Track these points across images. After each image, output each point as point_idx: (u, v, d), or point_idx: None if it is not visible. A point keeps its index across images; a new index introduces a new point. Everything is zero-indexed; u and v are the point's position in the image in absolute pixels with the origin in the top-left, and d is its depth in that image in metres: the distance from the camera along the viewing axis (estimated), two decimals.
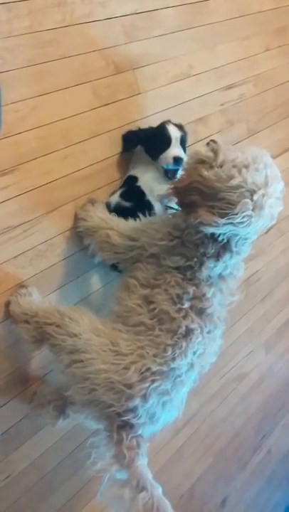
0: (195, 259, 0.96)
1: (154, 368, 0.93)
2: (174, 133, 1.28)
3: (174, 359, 0.94)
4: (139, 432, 0.93)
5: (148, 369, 0.92)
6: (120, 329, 1.00)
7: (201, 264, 0.96)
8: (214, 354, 1.04)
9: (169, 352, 0.94)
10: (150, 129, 1.32)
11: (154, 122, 1.47)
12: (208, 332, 0.99)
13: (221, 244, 0.96)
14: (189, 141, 1.61)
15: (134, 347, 0.95)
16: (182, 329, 0.95)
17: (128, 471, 0.87)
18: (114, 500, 0.86)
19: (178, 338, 0.95)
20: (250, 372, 2.04)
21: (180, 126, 1.34)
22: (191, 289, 0.96)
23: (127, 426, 0.92)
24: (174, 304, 0.96)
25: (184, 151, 1.30)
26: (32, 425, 1.25)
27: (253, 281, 2.00)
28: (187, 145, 1.37)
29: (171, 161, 1.24)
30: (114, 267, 1.23)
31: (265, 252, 2.06)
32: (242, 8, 1.83)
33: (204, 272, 0.96)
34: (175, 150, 1.26)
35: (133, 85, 1.40)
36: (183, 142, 1.31)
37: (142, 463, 0.90)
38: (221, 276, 1.00)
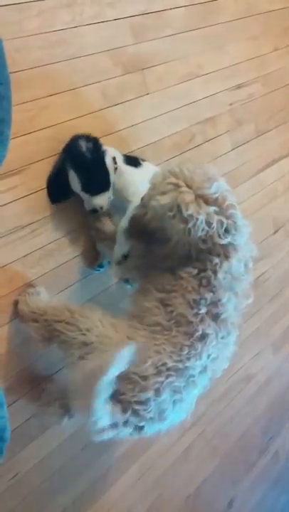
0: (209, 268, 0.98)
1: (170, 364, 0.94)
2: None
3: (189, 359, 0.95)
4: (143, 424, 0.95)
5: (164, 364, 0.94)
6: (136, 327, 1.00)
7: (215, 270, 0.97)
8: (227, 360, 1.06)
9: (185, 351, 0.95)
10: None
11: (162, 122, 1.48)
12: (222, 337, 1.00)
13: (223, 244, 0.97)
14: (199, 140, 1.62)
15: (151, 343, 0.96)
16: (198, 333, 0.97)
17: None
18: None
19: (194, 341, 0.96)
20: (257, 373, 2.03)
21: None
22: (209, 295, 0.98)
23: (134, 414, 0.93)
24: (190, 308, 0.97)
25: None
26: (40, 424, 1.25)
27: (261, 282, 1.99)
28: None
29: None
30: (126, 280, 1.24)
31: (273, 254, 2.05)
32: (251, 8, 1.82)
33: (220, 277, 0.97)
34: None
35: (142, 86, 1.40)
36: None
37: None
38: (234, 278, 1.00)
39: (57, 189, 1.18)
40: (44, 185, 1.18)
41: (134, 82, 1.39)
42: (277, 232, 2.05)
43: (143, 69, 1.41)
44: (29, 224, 1.17)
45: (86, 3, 1.25)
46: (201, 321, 0.97)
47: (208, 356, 0.99)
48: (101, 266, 1.31)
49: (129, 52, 1.37)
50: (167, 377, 0.93)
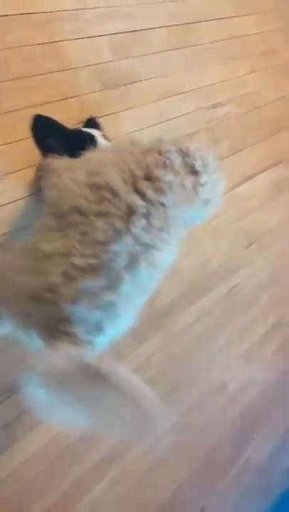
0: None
1: (80, 263, 0.81)
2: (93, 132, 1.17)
3: (105, 243, 0.82)
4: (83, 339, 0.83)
5: (73, 266, 0.81)
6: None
7: None
8: (169, 258, 0.93)
9: (99, 235, 0.82)
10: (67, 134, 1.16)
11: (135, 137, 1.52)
12: (160, 229, 0.88)
13: None
14: None
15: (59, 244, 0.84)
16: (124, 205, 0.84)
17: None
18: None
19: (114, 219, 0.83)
20: (229, 382, 2.07)
21: (93, 125, 1.23)
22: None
23: (66, 337, 0.82)
24: (124, 183, 0.87)
25: None
26: (9, 434, 1.26)
27: (234, 294, 2.05)
28: None
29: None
30: None
31: (246, 267, 2.11)
32: (229, 31, 1.91)
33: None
34: (100, 140, 1.14)
35: (120, 102, 1.46)
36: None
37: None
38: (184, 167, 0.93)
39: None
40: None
41: (113, 97, 1.44)
42: (250, 246, 2.12)
43: (122, 85, 1.46)
44: None
45: (67, 19, 1.30)
46: (135, 192, 0.86)
47: (137, 240, 0.84)
48: None
49: (109, 68, 1.42)
50: (81, 280, 0.81)
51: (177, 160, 0.93)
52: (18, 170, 1.20)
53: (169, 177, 0.90)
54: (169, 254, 0.91)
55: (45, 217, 0.90)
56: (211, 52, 1.83)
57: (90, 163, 0.94)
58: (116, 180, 0.87)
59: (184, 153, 0.95)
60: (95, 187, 0.87)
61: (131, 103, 1.48)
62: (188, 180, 0.94)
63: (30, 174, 1.21)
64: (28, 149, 1.19)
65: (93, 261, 0.81)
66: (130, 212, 0.84)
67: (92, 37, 1.36)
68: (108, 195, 0.85)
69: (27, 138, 1.20)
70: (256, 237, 2.15)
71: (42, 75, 1.25)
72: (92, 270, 0.81)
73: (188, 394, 1.85)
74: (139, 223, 0.84)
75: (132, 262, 0.84)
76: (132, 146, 0.97)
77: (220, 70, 1.88)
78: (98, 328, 0.84)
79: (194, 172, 0.95)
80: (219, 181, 1.03)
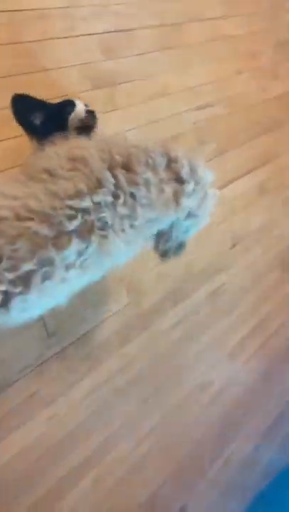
0: None
1: (33, 206, 0.80)
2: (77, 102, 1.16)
3: (63, 199, 0.82)
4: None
5: (26, 206, 0.80)
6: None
7: None
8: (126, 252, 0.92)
9: (61, 191, 0.82)
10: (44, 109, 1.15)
11: (128, 137, 1.52)
12: (123, 217, 0.87)
13: None
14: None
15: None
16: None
17: None
18: None
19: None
20: (213, 382, 2.09)
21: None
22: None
23: None
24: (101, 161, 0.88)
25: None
26: None
27: (218, 294, 2.07)
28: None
29: (84, 114, 1.13)
30: None
31: (230, 267, 2.13)
32: (216, 33, 1.92)
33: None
34: (82, 106, 1.14)
35: (109, 102, 1.45)
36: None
37: None
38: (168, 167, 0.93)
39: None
40: None
41: (102, 97, 1.43)
42: (234, 247, 2.14)
43: (111, 86, 1.45)
44: None
45: (58, 17, 1.28)
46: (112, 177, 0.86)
47: (96, 212, 0.83)
48: None
49: (99, 68, 1.41)
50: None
51: (162, 163, 0.92)
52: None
53: (148, 175, 0.89)
54: (126, 249, 0.89)
55: (16, 174, 0.90)
56: (199, 52, 1.83)
57: (75, 142, 0.95)
58: (93, 156, 0.88)
59: (172, 159, 0.94)
60: (71, 158, 0.88)
61: (119, 103, 1.47)
62: (170, 186, 0.93)
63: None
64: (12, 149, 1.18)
65: (47, 209, 0.80)
66: (98, 185, 0.84)
67: (82, 35, 1.34)
68: (81, 166, 0.86)
69: (12, 137, 1.18)
70: (240, 239, 2.17)
71: (35, 72, 1.23)
72: (42, 217, 0.79)
73: (172, 394, 1.86)
74: (103, 196, 0.84)
75: (85, 232, 0.82)
76: (121, 140, 0.96)
77: (207, 70, 1.88)
78: (25, 283, 0.79)
79: (179, 180, 0.94)
80: (210, 197, 1.00)
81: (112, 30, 1.44)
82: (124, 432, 1.63)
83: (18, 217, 0.79)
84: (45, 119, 1.12)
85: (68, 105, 1.13)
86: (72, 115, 1.10)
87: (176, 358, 1.86)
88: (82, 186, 0.84)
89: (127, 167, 0.89)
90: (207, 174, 0.98)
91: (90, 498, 1.51)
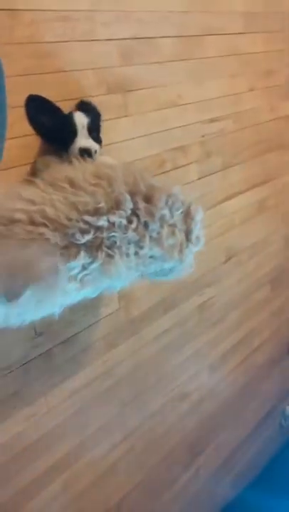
0: None
1: (50, 213, 0.82)
2: (80, 120, 1.15)
3: (81, 212, 0.84)
4: None
5: (42, 212, 0.83)
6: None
7: None
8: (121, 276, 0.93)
9: (81, 203, 0.85)
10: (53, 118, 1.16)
11: (136, 145, 1.52)
12: (130, 242, 0.90)
13: None
14: (168, 166, 1.67)
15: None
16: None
17: None
18: None
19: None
20: (192, 392, 2.11)
21: (87, 109, 1.23)
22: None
23: None
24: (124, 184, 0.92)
25: (97, 134, 1.21)
26: None
27: (207, 307, 2.08)
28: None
29: (78, 153, 1.10)
30: None
31: (222, 281, 2.15)
32: (234, 48, 1.92)
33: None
34: (81, 140, 1.12)
35: (122, 107, 1.44)
36: (93, 127, 1.18)
37: None
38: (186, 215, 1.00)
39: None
40: None
41: (116, 102, 1.42)
42: (228, 261, 2.15)
43: (125, 91, 1.44)
44: None
45: (80, 20, 1.27)
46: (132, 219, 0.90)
47: (109, 231, 0.85)
48: None
49: (115, 73, 1.40)
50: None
51: (180, 209, 0.98)
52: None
53: (165, 211, 0.93)
54: (125, 274, 0.92)
55: (36, 180, 0.92)
56: (215, 66, 1.83)
57: (105, 160, 1.02)
58: (119, 178, 0.91)
59: (190, 214, 1.00)
60: (97, 175, 0.91)
61: (131, 110, 1.47)
62: (180, 236, 0.98)
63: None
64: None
65: (62, 219, 0.81)
66: (116, 205, 0.87)
67: (102, 40, 1.33)
68: (105, 184, 0.89)
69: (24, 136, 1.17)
70: (235, 253, 2.19)
71: (51, 73, 1.22)
72: (57, 226, 0.81)
73: (151, 401, 1.87)
74: (119, 217, 0.86)
75: (93, 247, 0.85)
76: (147, 173, 1.00)
77: (221, 84, 1.88)
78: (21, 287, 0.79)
79: (188, 236, 1.00)
80: (191, 255, 1.06)
81: (133, 37, 1.43)
82: (99, 436, 1.63)
83: (33, 222, 0.80)
84: (51, 126, 1.14)
85: (70, 132, 1.13)
86: (71, 148, 1.11)
87: (159, 366, 1.87)
88: (103, 205, 0.86)
89: (147, 198, 0.93)
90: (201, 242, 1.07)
91: (59, 500, 1.52)
